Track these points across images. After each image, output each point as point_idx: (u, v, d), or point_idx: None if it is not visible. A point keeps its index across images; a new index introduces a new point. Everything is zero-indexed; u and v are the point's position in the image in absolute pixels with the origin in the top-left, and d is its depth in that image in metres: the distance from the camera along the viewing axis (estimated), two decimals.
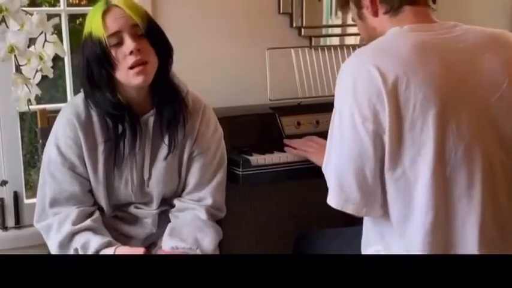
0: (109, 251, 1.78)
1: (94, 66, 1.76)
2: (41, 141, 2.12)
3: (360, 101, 1.47)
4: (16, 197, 2.49)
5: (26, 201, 2.52)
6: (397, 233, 1.55)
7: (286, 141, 2.29)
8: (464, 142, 1.48)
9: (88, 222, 1.84)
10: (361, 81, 1.48)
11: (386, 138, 1.46)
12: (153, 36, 1.78)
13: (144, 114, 1.86)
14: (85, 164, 1.84)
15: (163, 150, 1.87)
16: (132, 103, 1.84)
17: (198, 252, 1.82)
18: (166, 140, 1.86)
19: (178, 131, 1.86)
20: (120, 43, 1.74)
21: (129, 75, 1.75)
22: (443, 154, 1.47)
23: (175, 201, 1.94)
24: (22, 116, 2.61)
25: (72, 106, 1.87)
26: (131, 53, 1.72)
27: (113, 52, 1.74)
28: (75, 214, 1.83)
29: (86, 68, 1.78)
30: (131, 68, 1.74)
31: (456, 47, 1.54)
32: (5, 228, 2.49)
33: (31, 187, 2.80)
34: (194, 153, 1.91)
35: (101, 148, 1.84)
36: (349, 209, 1.55)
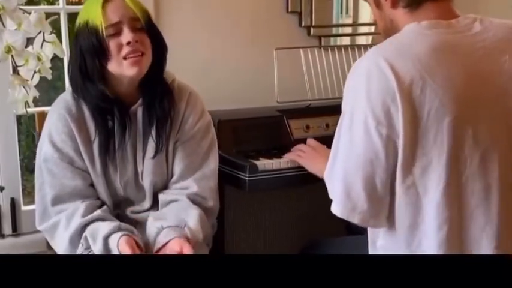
0: (115, 237, 1.77)
1: (88, 56, 1.80)
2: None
3: (374, 103, 1.45)
4: (13, 203, 2.49)
5: (24, 207, 2.51)
6: (403, 243, 1.53)
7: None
8: (481, 150, 1.46)
9: (98, 212, 1.86)
10: (375, 81, 1.45)
11: (400, 143, 1.44)
12: (151, 31, 1.84)
13: (133, 105, 1.89)
14: (82, 158, 1.88)
15: (153, 143, 1.90)
16: (120, 97, 1.87)
17: (186, 230, 1.83)
18: (154, 137, 1.89)
19: (166, 128, 1.90)
20: (117, 33, 1.78)
21: (123, 66, 1.79)
22: (457, 164, 1.45)
23: (160, 195, 1.96)
24: (19, 119, 2.62)
25: (62, 101, 1.91)
26: (128, 43, 1.76)
27: (109, 42, 1.77)
28: (83, 207, 1.85)
29: (79, 58, 1.81)
30: (125, 58, 1.78)
31: (474, 48, 1.52)
32: (2, 235, 2.49)
33: (29, 193, 2.80)
34: (178, 142, 1.95)
35: (95, 141, 1.87)
36: (355, 219, 1.52)
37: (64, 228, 1.86)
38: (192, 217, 1.87)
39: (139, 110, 1.90)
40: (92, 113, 1.87)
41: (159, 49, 1.87)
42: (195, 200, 1.94)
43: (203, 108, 1.99)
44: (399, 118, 1.43)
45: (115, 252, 1.76)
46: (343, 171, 1.52)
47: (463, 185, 1.47)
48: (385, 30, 1.65)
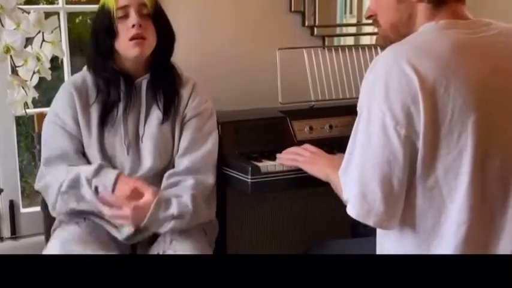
0: (110, 171, 1.95)
1: (100, 34, 2.01)
2: (38, 146, 2.12)
3: (393, 102, 1.44)
4: (12, 205, 2.49)
5: (23, 210, 2.52)
6: (420, 246, 1.52)
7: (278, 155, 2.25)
8: (503, 152, 1.46)
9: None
10: (396, 80, 1.45)
11: (420, 145, 1.44)
12: (157, 19, 2.03)
13: (138, 77, 2.07)
14: (78, 125, 2.02)
15: (157, 111, 2.06)
16: (127, 71, 2.06)
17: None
18: (161, 105, 2.06)
19: (173, 97, 2.07)
20: (126, 16, 1.98)
21: (128, 46, 1.99)
22: (481, 164, 1.45)
23: (163, 178, 2.02)
24: (18, 120, 2.62)
25: (70, 80, 2.13)
26: (133, 26, 1.96)
27: (118, 24, 1.98)
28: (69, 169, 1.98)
29: (94, 37, 2.03)
30: (131, 40, 1.97)
31: (494, 48, 1.52)
32: (1, 238, 2.49)
33: (28, 195, 2.80)
34: (186, 118, 2.09)
35: (94, 107, 2.04)
36: (371, 221, 1.50)
37: (55, 191, 1.96)
38: (186, 196, 1.95)
39: (144, 82, 2.06)
40: (96, 83, 2.05)
41: (165, 36, 2.07)
42: (195, 192, 1.97)
43: (207, 96, 2.14)
44: (420, 119, 1.42)
45: (107, 177, 1.92)
46: (359, 171, 1.51)
47: (484, 187, 1.47)
48: (397, 25, 1.63)
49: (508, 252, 1.48)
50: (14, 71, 1.70)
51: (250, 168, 2.10)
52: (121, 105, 2.03)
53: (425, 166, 1.46)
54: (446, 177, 1.46)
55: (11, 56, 1.63)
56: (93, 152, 2.02)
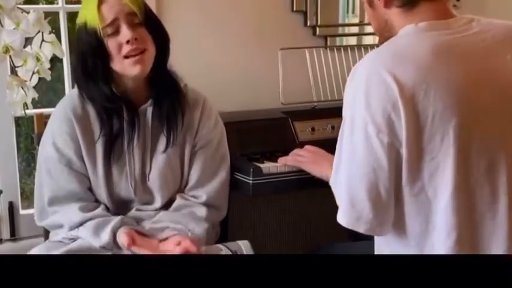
0: (123, 233, 1.79)
1: (89, 58, 1.80)
2: (37, 147, 2.12)
3: (374, 111, 1.44)
4: (11, 207, 2.49)
5: (22, 211, 2.51)
6: (413, 251, 1.52)
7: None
8: (488, 153, 1.45)
9: (99, 210, 1.86)
10: (375, 88, 1.45)
11: (403, 151, 1.44)
12: (150, 25, 1.83)
13: (142, 104, 1.89)
14: (83, 160, 1.87)
15: (163, 142, 1.90)
16: (129, 94, 1.87)
17: (189, 234, 1.82)
18: (165, 132, 1.89)
19: (177, 122, 1.90)
20: (116, 32, 1.78)
21: (125, 65, 1.79)
22: (466, 168, 1.44)
23: (177, 196, 1.95)
24: (18, 121, 2.62)
25: (68, 100, 1.91)
26: (128, 42, 1.77)
27: (108, 42, 1.78)
28: (80, 209, 1.85)
29: (81, 60, 1.82)
30: (127, 57, 1.78)
31: (476, 48, 1.51)
32: (0, 240, 2.49)
33: (27, 197, 2.79)
34: (196, 147, 1.95)
35: (99, 142, 1.86)
36: (361, 228, 1.51)
37: (67, 229, 1.86)
38: (200, 228, 1.88)
39: (148, 110, 1.89)
40: (98, 114, 1.86)
41: (161, 40, 1.86)
42: (209, 212, 1.93)
43: (217, 116, 2.01)
44: (401, 125, 1.42)
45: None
46: (346, 179, 1.52)
47: (471, 189, 1.46)
48: (379, 30, 1.65)
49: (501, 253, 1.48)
50: (14, 71, 1.69)
51: (251, 170, 2.10)
52: (125, 140, 1.87)
53: (410, 172, 1.46)
54: (431, 183, 1.46)
55: (10, 56, 1.63)
56: (100, 191, 1.89)
